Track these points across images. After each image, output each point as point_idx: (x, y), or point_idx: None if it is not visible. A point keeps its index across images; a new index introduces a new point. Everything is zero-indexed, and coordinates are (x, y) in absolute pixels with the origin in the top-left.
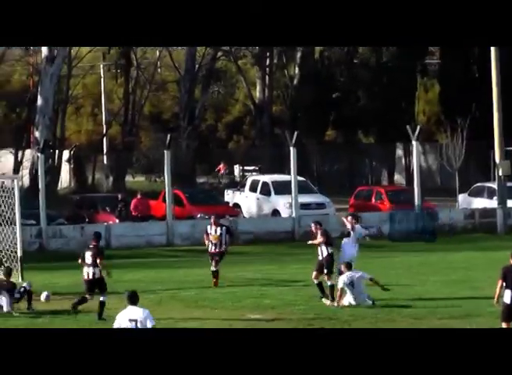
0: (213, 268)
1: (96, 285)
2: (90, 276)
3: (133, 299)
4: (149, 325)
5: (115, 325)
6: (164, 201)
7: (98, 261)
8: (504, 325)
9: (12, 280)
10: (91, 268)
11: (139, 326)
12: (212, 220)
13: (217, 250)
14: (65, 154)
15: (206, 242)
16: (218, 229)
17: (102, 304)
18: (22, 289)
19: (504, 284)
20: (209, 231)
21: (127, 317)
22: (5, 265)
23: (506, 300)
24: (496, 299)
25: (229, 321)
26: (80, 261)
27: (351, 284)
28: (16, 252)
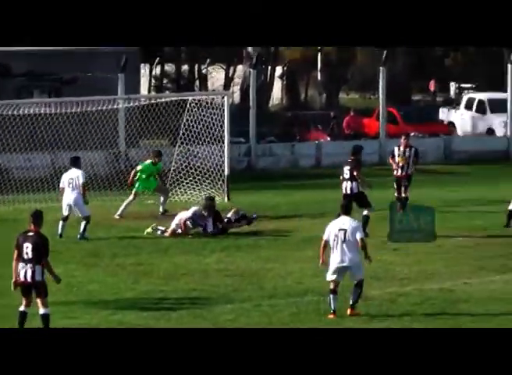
0: (402, 194)
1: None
2: (348, 191)
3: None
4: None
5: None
6: (377, 119)
7: (355, 174)
8: None
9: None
10: (349, 182)
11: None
12: (403, 141)
13: (403, 174)
14: (278, 70)
15: (392, 164)
16: (407, 150)
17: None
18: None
19: None
20: (396, 153)
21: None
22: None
23: None
24: None
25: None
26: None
27: None
28: (223, 171)
